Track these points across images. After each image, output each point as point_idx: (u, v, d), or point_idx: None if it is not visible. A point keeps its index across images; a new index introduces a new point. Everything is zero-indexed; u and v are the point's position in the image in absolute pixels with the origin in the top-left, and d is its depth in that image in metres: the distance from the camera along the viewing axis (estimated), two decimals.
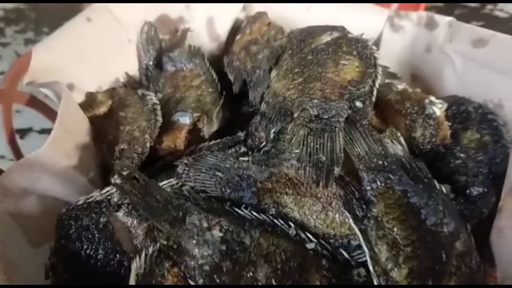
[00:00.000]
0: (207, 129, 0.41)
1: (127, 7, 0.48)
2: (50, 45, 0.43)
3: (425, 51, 0.50)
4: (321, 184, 0.30)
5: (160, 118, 0.40)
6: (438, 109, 0.38)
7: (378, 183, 0.31)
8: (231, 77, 0.46)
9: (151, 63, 0.49)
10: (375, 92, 0.36)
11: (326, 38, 0.43)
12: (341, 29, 0.45)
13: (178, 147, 0.40)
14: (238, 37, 0.50)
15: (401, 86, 0.42)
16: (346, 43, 0.41)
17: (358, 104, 0.34)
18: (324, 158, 0.31)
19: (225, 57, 0.49)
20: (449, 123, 0.39)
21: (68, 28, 0.45)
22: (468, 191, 0.36)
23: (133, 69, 0.49)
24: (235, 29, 0.52)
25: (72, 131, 0.39)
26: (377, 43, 0.52)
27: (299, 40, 0.44)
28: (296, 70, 0.39)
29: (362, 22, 0.51)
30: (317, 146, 0.32)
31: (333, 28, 0.44)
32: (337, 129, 0.33)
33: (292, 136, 0.33)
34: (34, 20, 0.77)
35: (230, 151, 0.38)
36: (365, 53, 0.40)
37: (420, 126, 0.38)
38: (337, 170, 0.31)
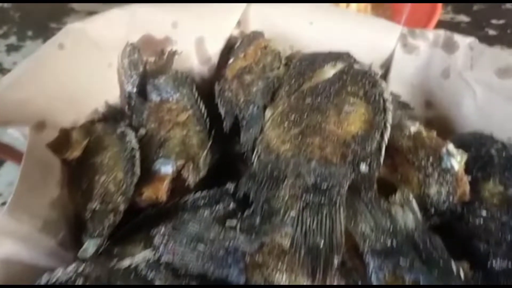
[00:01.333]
0: (193, 177, 0.36)
1: (105, 27, 0.43)
2: (16, 79, 0.38)
3: (442, 76, 0.44)
4: (317, 277, 0.26)
5: (138, 170, 0.35)
6: (457, 162, 0.33)
7: (386, 272, 0.26)
8: (221, 111, 0.41)
9: (134, 90, 0.44)
10: (383, 151, 0.31)
11: (328, 71, 0.37)
12: (346, 57, 0.39)
13: (160, 198, 0.36)
14: (231, 60, 0.44)
15: (414, 128, 0.36)
16: (351, 79, 0.36)
17: (364, 168, 0.29)
18: (322, 244, 0.26)
19: (216, 84, 0.44)
20: (469, 176, 0.34)
21: (37, 58, 0.39)
22: (489, 263, 0.31)
23: (114, 97, 0.44)
24: (228, 48, 0.47)
25: (38, 185, 0.35)
26: (387, 64, 0.46)
27: (298, 73, 0.38)
28: (293, 117, 0.33)
29: (371, 40, 0.46)
30: (314, 225, 0.27)
31: (337, 57, 0.39)
32: (337, 203, 0.28)
33: (285, 209, 0.28)
34: (18, 22, 0.71)
35: (217, 207, 0.34)
36: (373, 93, 0.35)
37: (435, 182, 0.33)
38: (337, 259, 0.26)
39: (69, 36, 0.41)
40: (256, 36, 0.44)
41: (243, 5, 0.46)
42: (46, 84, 0.39)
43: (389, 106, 0.34)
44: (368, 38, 0.46)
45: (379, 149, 0.30)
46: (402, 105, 0.43)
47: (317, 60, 0.39)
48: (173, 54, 0.45)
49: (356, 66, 0.38)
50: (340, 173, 0.29)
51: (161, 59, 0.45)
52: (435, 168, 0.33)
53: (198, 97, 0.42)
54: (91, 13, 0.75)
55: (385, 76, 0.46)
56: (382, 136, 0.31)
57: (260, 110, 0.38)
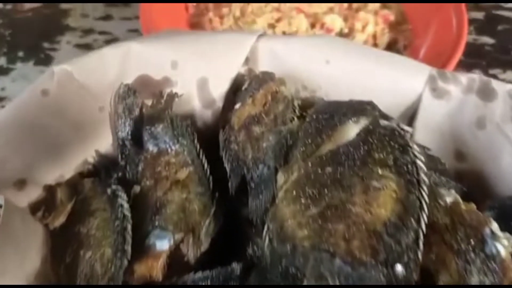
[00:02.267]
0: (193, 252, 0.32)
1: (95, 68, 0.38)
2: None
3: (476, 125, 0.39)
4: None
5: (129, 248, 0.30)
6: (503, 247, 0.28)
7: None
8: (227, 166, 0.36)
9: (129, 137, 0.39)
10: (421, 244, 0.25)
11: (351, 129, 0.32)
12: (371, 110, 0.34)
13: (155, 277, 0.31)
14: (237, 105, 0.39)
15: (450, 199, 0.31)
16: (378, 142, 0.31)
17: (400, 270, 0.24)
18: None
19: (221, 133, 0.39)
20: None
21: (17, 107, 0.35)
22: None
23: (107, 145, 0.40)
24: (235, 89, 0.42)
25: (16, 256, 0.30)
26: (413, 109, 0.41)
27: (315, 130, 0.33)
28: (311, 191, 0.28)
29: (395, 82, 0.41)
30: None
31: (360, 110, 0.34)
32: None
33: None
34: (9, 40, 0.66)
35: None
36: (404, 162, 0.29)
37: (477, 270, 0.28)
38: None
39: (54, 80, 0.36)
40: (266, 78, 0.39)
41: (251, 40, 0.41)
42: (27, 137, 0.34)
43: (425, 178, 0.29)
44: (392, 80, 0.40)
45: (417, 241, 0.25)
46: (431, 160, 0.37)
47: (337, 113, 0.34)
48: (172, 96, 0.40)
49: (382, 122, 0.33)
50: (371, 277, 0.24)
51: (159, 102, 0.40)
52: (477, 253, 0.28)
53: (200, 150, 0.37)
54: (87, 32, 0.71)
55: (410, 122, 0.41)
56: (418, 221, 0.26)
57: (271, 172, 0.33)
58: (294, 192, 0.29)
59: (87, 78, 0.37)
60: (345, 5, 0.68)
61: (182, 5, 0.68)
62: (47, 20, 0.70)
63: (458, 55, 0.56)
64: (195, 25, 0.66)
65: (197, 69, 0.40)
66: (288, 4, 0.65)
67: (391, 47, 0.64)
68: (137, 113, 0.40)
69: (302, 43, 0.42)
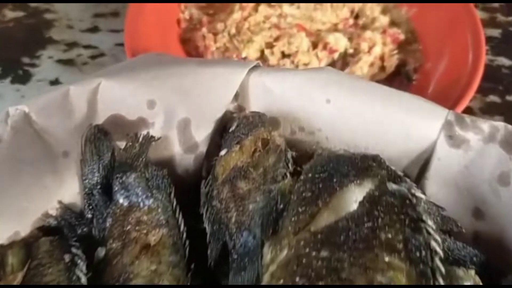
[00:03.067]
0: None
1: (59, 107, 0.33)
2: None
3: (499, 181, 0.34)
4: None
5: None
6: None
7: None
8: (207, 227, 0.31)
9: (98, 186, 0.34)
10: None
11: (352, 196, 0.27)
12: (377, 167, 0.29)
13: None
14: (223, 152, 0.34)
15: (469, 283, 0.26)
16: (385, 215, 0.25)
17: None
18: None
19: (203, 184, 0.34)
20: None
21: None
22: None
23: (72, 195, 0.34)
24: (221, 129, 0.37)
25: None
26: (425, 157, 0.36)
27: (310, 195, 0.28)
28: (301, 283, 0.23)
29: (406, 126, 0.35)
30: None
31: (364, 169, 0.29)
32: None
33: None
34: None
35: None
36: (417, 245, 0.24)
37: None
38: None
39: (8, 125, 0.31)
40: (256, 122, 0.34)
41: (242, 74, 0.36)
42: None
43: (441, 267, 0.23)
44: (401, 124, 0.35)
45: None
46: (446, 221, 0.32)
47: (336, 172, 0.29)
48: (149, 140, 0.35)
49: (390, 187, 0.28)
50: None
51: (133, 147, 0.35)
52: None
53: (176, 208, 0.32)
54: (71, 45, 0.65)
55: (422, 172, 0.36)
56: None
57: (257, 243, 0.28)
58: (282, 281, 0.24)
59: (49, 120, 0.32)
60: (351, 21, 0.62)
61: (173, 18, 0.62)
62: (29, 31, 0.65)
63: (477, 80, 0.51)
64: (187, 41, 0.61)
65: (177, 108, 0.34)
66: (288, 20, 0.60)
67: (400, 69, 0.58)
68: (107, 158, 0.34)
69: (299, 78, 0.37)
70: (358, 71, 0.55)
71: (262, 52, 0.56)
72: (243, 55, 0.55)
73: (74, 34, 0.66)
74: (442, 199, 0.35)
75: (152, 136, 0.35)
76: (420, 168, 0.36)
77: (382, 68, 0.57)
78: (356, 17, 0.64)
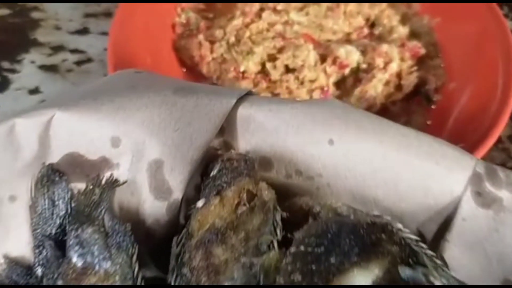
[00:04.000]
0: None
1: (4, 145, 0.27)
2: None
3: None
4: None
5: None
6: None
7: None
8: None
9: (50, 238, 0.28)
10: None
11: (353, 281, 0.21)
12: (386, 241, 0.23)
13: None
14: (200, 202, 0.28)
15: None
16: None
17: None
18: None
19: (175, 241, 0.28)
20: None
21: None
22: None
23: (19, 246, 0.29)
24: (202, 169, 0.31)
25: None
26: (446, 215, 0.29)
27: (301, 275, 0.22)
28: None
29: (424, 178, 0.29)
30: None
31: (370, 245, 0.22)
32: None
33: None
34: None
35: None
36: None
37: None
38: None
39: None
40: (242, 169, 0.28)
41: (229, 104, 0.30)
42: None
43: None
44: (419, 174, 0.29)
45: None
46: None
47: (336, 248, 0.23)
48: (112, 184, 0.29)
49: (403, 273, 0.22)
50: None
51: (93, 192, 0.29)
52: None
53: (138, 275, 0.26)
54: (56, 49, 0.60)
55: (442, 232, 0.29)
56: None
57: None
58: None
59: None
60: (365, 30, 0.56)
61: (168, 22, 0.56)
62: (13, 32, 0.59)
63: (509, 109, 0.44)
64: (182, 49, 0.55)
65: (148, 147, 0.29)
66: (295, 29, 0.53)
67: (419, 88, 0.51)
68: (63, 204, 0.29)
69: (297, 112, 0.30)
70: (371, 90, 0.48)
71: (263, 65, 0.50)
72: (242, 68, 0.49)
73: (62, 36, 0.60)
74: (466, 267, 0.29)
75: (116, 180, 0.29)
76: (440, 226, 0.30)
77: (399, 86, 0.50)
78: (372, 26, 0.57)
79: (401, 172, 0.29)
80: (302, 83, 0.49)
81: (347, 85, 0.51)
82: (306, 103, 0.31)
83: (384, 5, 0.57)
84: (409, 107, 0.50)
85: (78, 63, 0.57)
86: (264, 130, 0.31)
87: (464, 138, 0.41)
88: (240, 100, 0.31)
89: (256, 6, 0.56)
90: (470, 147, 0.39)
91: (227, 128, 0.31)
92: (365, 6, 0.57)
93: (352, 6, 0.57)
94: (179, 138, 0.29)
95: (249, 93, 0.32)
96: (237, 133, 0.31)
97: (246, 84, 0.50)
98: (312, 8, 0.57)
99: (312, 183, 0.31)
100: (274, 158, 0.31)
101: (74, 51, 0.58)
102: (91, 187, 0.29)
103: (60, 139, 0.28)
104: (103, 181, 0.29)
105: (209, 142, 0.30)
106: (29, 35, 0.61)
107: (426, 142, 0.30)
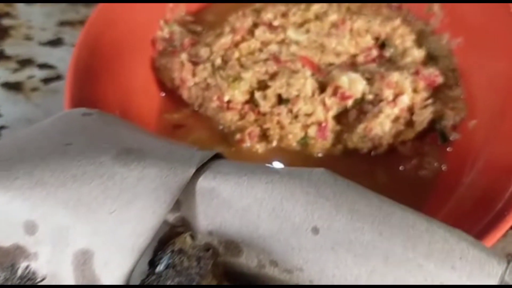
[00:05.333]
0: None
1: None
2: None
3: None
4: None
5: None
6: None
7: None
8: None
9: None
10: None
11: None
12: None
13: None
14: None
15: None
16: None
17: None
18: None
19: None
20: None
21: None
22: None
23: None
24: (151, 255, 0.24)
25: None
26: None
27: None
28: None
29: (434, 281, 0.22)
30: None
31: None
32: None
33: None
34: None
35: None
36: None
37: None
38: None
39: None
40: (193, 273, 0.21)
41: (185, 176, 0.23)
42: None
43: None
44: (428, 278, 0.22)
45: None
46: None
47: None
48: (28, 278, 0.22)
49: None
50: None
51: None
52: None
53: None
54: (24, 63, 0.53)
55: None
56: None
57: None
58: None
59: None
60: (374, 52, 0.48)
61: (148, 36, 0.49)
62: None
63: None
64: (162, 69, 0.48)
65: (72, 235, 0.22)
66: (292, 50, 0.46)
67: (433, 125, 0.44)
68: None
69: (274, 188, 0.23)
70: (377, 128, 0.41)
71: (252, 94, 0.43)
72: (226, 98, 0.42)
73: (31, 47, 0.53)
74: None
75: (34, 273, 0.22)
76: None
77: (410, 123, 0.43)
78: (382, 46, 0.49)
79: (406, 277, 0.22)
80: (296, 117, 0.42)
81: (350, 118, 0.44)
82: (286, 175, 0.24)
83: (397, 22, 0.50)
84: (421, 147, 0.43)
85: (46, 80, 0.50)
86: (230, 208, 0.24)
87: (485, 200, 0.34)
88: (202, 169, 0.24)
89: (249, 21, 0.48)
90: (492, 218, 0.31)
91: (184, 202, 0.25)
92: (375, 23, 0.49)
93: (360, 23, 0.49)
94: (115, 222, 0.22)
95: (216, 156, 0.25)
96: (196, 210, 0.24)
97: (231, 116, 0.43)
98: (314, 24, 0.49)
99: (290, 277, 0.24)
100: (243, 244, 0.24)
101: (43, 66, 0.52)
102: (3, 280, 0.22)
103: None
104: (18, 274, 0.22)
105: (157, 226, 0.23)
106: None
107: (441, 236, 0.22)
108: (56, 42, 0.55)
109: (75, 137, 0.26)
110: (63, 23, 0.57)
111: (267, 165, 0.26)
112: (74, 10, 0.59)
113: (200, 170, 0.24)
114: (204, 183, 0.24)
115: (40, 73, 0.51)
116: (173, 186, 0.23)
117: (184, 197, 0.24)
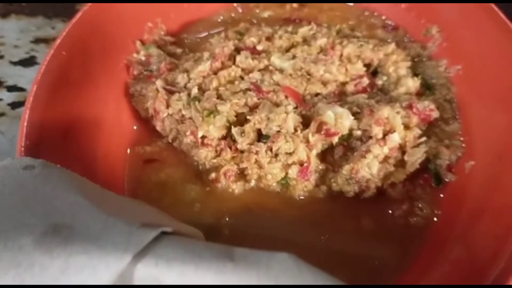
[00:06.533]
0: None
1: None
2: None
3: None
4: None
5: None
6: None
7: None
8: None
9: None
10: None
11: None
12: None
13: None
14: None
15: None
16: None
17: None
18: None
19: None
20: None
21: None
22: None
23: None
24: None
25: None
26: None
27: None
28: None
29: None
30: None
31: None
32: None
33: None
34: None
35: None
36: None
37: None
38: None
39: None
40: None
41: (119, 266, 0.19)
42: None
43: None
44: None
45: None
46: None
47: None
48: None
49: None
50: None
51: None
52: None
53: None
54: None
55: None
56: None
57: None
58: None
59: None
60: (365, 81, 0.44)
61: (122, 59, 0.46)
62: None
63: None
64: (136, 96, 0.44)
65: None
66: (276, 78, 0.43)
67: (426, 165, 0.40)
68: None
69: (226, 278, 0.20)
70: (364, 170, 0.37)
71: (229, 129, 0.39)
72: (200, 134, 0.39)
73: (1, 67, 0.50)
74: None
75: None
76: None
77: (401, 163, 0.39)
78: (375, 73, 0.46)
79: None
80: (276, 155, 0.38)
81: (335, 156, 0.40)
82: (241, 261, 0.21)
83: (392, 46, 0.46)
84: (413, 190, 0.39)
85: (13, 104, 0.47)
86: None
87: (477, 264, 0.30)
88: (142, 253, 0.20)
89: (230, 45, 0.45)
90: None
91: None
92: (368, 47, 0.45)
93: (351, 48, 0.45)
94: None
95: (159, 238, 0.21)
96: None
97: (206, 153, 0.40)
98: (301, 49, 0.46)
99: None
100: None
101: (12, 88, 0.49)
102: None
103: None
104: None
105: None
106: None
107: None
108: (28, 62, 0.52)
109: (2, 203, 0.22)
110: (37, 40, 0.54)
111: (221, 245, 0.22)
112: (51, 25, 0.55)
113: (140, 255, 0.20)
114: (143, 271, 0.20)
115: (8, 96, 0.48)
116: (104, 278, 0.20)
117: (122, 278, 0.21)
